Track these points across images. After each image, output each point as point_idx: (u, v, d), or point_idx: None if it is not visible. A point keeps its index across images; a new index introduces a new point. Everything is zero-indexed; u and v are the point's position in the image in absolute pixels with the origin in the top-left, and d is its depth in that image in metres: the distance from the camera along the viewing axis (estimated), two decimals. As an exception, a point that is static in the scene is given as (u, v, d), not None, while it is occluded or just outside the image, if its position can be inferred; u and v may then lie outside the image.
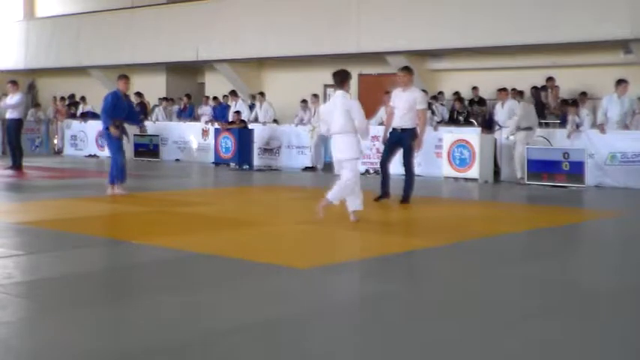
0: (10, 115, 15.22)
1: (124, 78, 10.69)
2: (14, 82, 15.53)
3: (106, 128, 10.53)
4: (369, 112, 11.80)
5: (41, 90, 26.40)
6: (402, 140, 9.92)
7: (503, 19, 15.66)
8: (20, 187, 12.28)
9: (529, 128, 13.36)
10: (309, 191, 12.47)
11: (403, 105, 9.84)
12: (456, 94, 16.52)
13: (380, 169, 10.35)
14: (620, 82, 13.03)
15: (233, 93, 18.94)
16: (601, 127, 12.88)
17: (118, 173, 10.44)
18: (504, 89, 14.29)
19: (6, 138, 16.41)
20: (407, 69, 10.15)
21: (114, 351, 3.71)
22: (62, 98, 22.94)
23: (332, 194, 8.03)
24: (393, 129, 10.07)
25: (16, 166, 14.86)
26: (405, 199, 9.87)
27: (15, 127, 15.17)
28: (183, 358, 3.64)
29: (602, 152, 12.81)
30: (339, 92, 8.12)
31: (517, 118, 13.41)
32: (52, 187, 12.16)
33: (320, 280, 5.42)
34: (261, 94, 18.66)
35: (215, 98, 19.46)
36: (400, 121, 9.90)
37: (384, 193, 9.93)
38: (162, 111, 20.69)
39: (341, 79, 8.12)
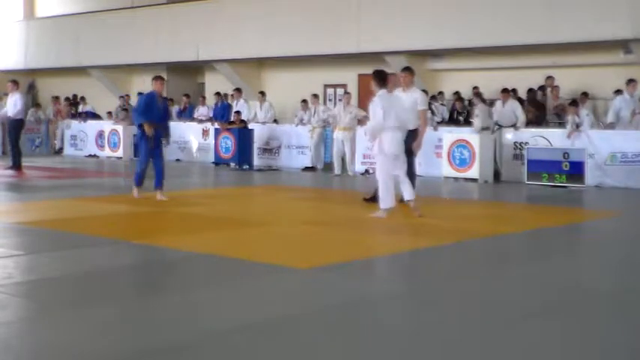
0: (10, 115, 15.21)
1: (160, 79, 10.11)
2: (14, 82, 15.52)
3: (139, 125, 10.03)
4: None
5: (41, 90, 26.38)
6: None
7: (504, 19, 15.65)
8: (20, 187, 12.28)
9: (487, 128, 13.82)
10: (309, 191, 12.47)
11: None
12: (456, 94, 16.53)
13: None
14: (630, 82, 13.50)
15: (237, 90, 18.80)
16: (611, 126, 13.08)
17: (136, 178, 10.15)
18: (506, 89, 14.32)
19: (7, 138, 16.39)
20: (409, 69, 10.14)
21: (114, 351, 3.71)
22: (66, 98, 22.93)
23: (410, 193, 8.48)
24: None
25: (16, 166, 14.85)
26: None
27: (15, 127, 15.16)
28: (184, 358, 3.64)
29: (602, 152, 12.81)
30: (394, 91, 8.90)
31: (477, 120, 13.94)
32: (52, 187, 12.16)
33: (320, 280, 5.42)
34: (262, 93, 18.64)
35: (217, 94, 19.25)
36: None
37: (375, 196, 9.81)
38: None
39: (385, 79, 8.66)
